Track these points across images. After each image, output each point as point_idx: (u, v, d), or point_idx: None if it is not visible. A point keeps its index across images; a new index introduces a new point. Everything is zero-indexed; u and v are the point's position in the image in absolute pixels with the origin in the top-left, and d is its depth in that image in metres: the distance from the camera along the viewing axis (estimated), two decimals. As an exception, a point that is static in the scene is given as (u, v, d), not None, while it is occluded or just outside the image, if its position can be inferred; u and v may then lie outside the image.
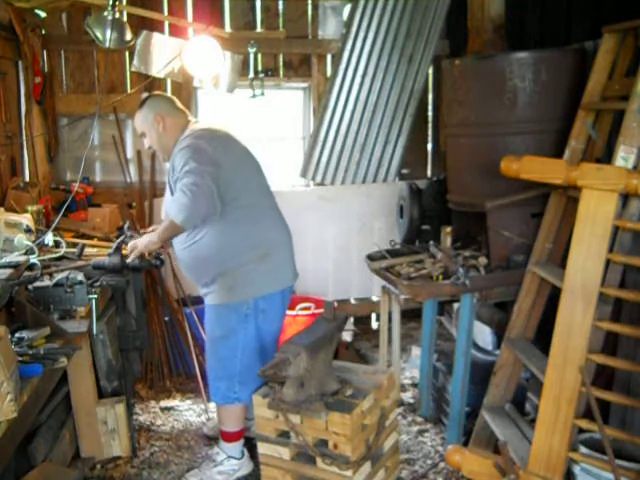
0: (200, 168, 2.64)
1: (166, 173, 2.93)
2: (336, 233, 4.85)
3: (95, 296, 2.80)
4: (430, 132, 5.24)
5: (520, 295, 2.99)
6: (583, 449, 2.41)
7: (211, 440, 3.38)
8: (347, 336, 4.43)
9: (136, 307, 3.01)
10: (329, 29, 4.86)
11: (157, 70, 4.54)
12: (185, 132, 2.90)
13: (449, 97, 3.54)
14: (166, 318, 3.52)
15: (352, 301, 4.95)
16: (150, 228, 3.14)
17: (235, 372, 2.90)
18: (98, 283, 2.90)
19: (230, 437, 3.03)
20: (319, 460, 2.47)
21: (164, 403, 3.85)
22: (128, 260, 2.94)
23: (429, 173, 5.24)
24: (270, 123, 4.99)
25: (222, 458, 3.04)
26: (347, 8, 4.68)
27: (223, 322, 2.90)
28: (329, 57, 4.87)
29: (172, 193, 2.79)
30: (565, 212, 2.91)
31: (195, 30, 4.43)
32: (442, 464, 3.10)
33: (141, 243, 2.88)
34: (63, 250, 3.30)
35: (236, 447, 3.04)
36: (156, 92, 3.48)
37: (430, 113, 5.22)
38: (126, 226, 3.13)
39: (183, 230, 2.75)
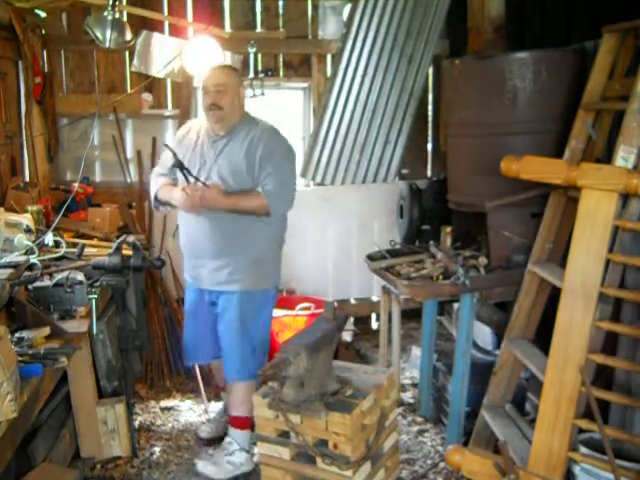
0: (295, 172, 3.07)
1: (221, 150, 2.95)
2: (336, 233, 4.86)
3: (95, 296, 2.80)
4: (430, 132, 5.24)
5: (520, 295, 2.98)
6: (583, 449, 2.41)
7: (209, 442, 3.37)
8: (347, 336, 4.43)
9: (136, 307, 3.00)
10: (329, 29, 4.86)
11: (157, 70, 4.54)
12: (250, 116, 3.06)
13: (449, 97, 3.54)
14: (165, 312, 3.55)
15: (352, 301, 4.95)
16: (211, 183, 2.90)
17: (265, 346, 3.14)
18: (98, 283, 2.90)
19: (244, 423, 3.07)
20: (319, 460, 2.47)
21: (164, 403, 3.85)
22: (179, 202, 2.90)
23: (429, 173, 5.24)
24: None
25: (235, 448, 3.07)
26: (347, 8, 4.68)
27: (254, 305, 3.05)
28: (329, 57, 4.87)
29: (237, 174, 2.91)
30: (565, 212, 2.91)
31: (195, 30, 4.43)
32: (442, 464, 3.10)
33: (210, 198, 2.84)
34: (63, 250, 3.30)
35: (247, 437, 3.10)
36: None
37: (430, 113, 5.22)
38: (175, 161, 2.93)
39: (257, 215, 2.91)
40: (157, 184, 3.12)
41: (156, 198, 3.12)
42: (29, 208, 3.66)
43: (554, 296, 2.73)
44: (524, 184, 2.81)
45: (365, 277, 4.59)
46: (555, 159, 2.70)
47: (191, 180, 2.89)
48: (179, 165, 2.89)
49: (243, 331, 3.03)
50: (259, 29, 4.80)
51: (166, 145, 3.01)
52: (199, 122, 3.15)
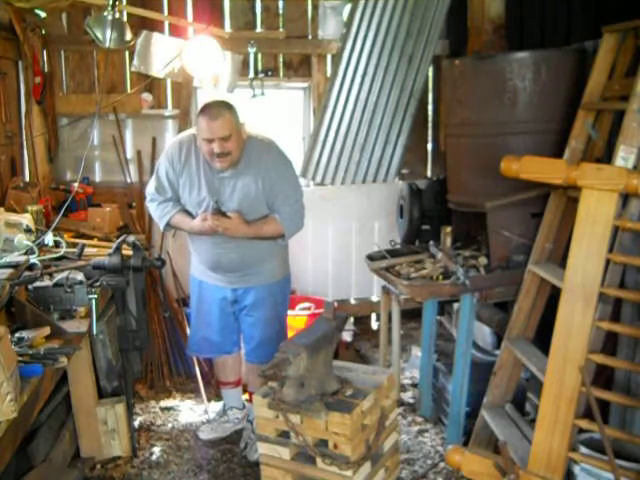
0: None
1: (226, 182, 2.95)
2: (336, 233, 4.86)
3: (95, 296, 2.80)
4: (430, 132, 5.24)
5: (520, 295, 2.99)
6: (583, 449, 2.41)
7: (210, 444, 3.36)
8: (347, 336, 4.43)
9: (136, 307, 3.00)
10: (329, 29, 4.85)
11: (157, 70, 4.54)
12: (247, 137, 2.98)
13: (449, 97, 3.54)
14: (166, 314, 3.52)
15: (352, 301, 4.95)
16: (233, 215, 2.93)
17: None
18: (98, 283, 2.90)
19: None
20: (319, 460, 2.47)
21: (164, 403, 3.84)
22: (199, 231, 2.97)
23: (429, 173, 5.23)
24: (270, 123, 4.99)
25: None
26: (347, 8, 4.68)
27: (284, 291, 3.27)
28: (329, 57, 4.86)
29: (260, 204, 2.99)
30: (565, 212, 2.91)
31: (195, 30, 4.43)
32: (442, 464, 3.10)
33: (234, 228, 2.90)
34: (63, 250, 3.30)
35: None
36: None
37: (430, 113, 5.22)
38: (213, 203, 2.94)
39: (274, 239, 3.04)
40: (165, 213, 3.08)
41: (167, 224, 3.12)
42: (29, 208, 3.65)
43: (554, 296, 2.73)
44: (524, 184, 2.81)
45: (365, 277, 4.60)
46: (555, 159, 2.70)
47: (215, 207, 2.91)
48: (218, 211, 2.91)
49: (278, 317, 3.23)
50: (259, 29, 4.80)
51: (216, 202, 2.91)
52: (190, 140, 3.02)
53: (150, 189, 3.15)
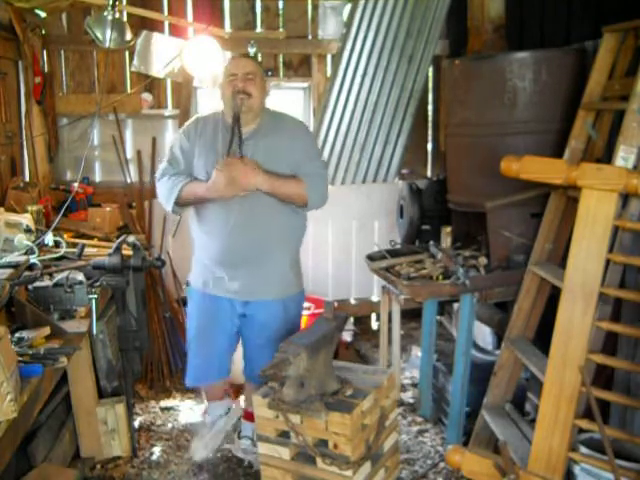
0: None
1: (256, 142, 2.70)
2: (336, 233, 4.86)
3: (95, 296, 2.80)
4: (430, 132, 5.24)
5: (520, 295, 2.98)
6: (583, 449, 2.41)
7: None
8: (347, 336, 4.43)
9: (136, 307, 3.00)
10: (329, 29, 4.86)
11: (157, 70, 4.54)
12: (270, 109, 2.83)
13: (449, 97, 3.54)
14: (166, 314, 3.51)
15: (352, 301, 4.95)
16: (250, 161, 2.63)
17: None
18: (98, 283, 2.90)
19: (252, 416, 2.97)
20: (319, 460, 2.47)
21: (164, 403, 3.84)
22: (214, 182, 2.60)
23: (429, 173, 5.24)
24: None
25: (247, 435, 3.13)
26: (347, 8, 4.69)
27: (298, 308, 2.98)
28: (329, 57, 4.87)
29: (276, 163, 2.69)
30: (565, 212, 2.91)
31: (195, 30, 4.44)
32: (442, 464, 3.10)
33: (247, 171, 2.60)
34: (63, 250, 3.30)
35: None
36: None
37: (430, 113, 5.22)
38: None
39: (295, 204, 2.75)
40: (177, 183, 2.74)
41: (175, 201, 2.75)
42: (29, 208, 3.66)
43: (554, 296, 2.73)
44: (524, 184, 2.80)
45: (365, 277, 4.59)
46: (555, 159, 2.69)
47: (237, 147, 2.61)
48: (237, 117, 2.61)
49: (288, 337, 2.74)
50: (259, 29, 4.80)
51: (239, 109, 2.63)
52: (210, 116, 2.85)
53: (162, 166, 2.86)
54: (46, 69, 4.45)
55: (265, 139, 2.72)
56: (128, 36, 4.16)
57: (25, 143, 4.27)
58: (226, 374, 3.02)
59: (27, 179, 4.26)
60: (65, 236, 3.64)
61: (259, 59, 2.94)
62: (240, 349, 3.06)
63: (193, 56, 4.30)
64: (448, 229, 3.45)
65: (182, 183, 2.73)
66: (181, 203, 2.77)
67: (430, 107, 5.20)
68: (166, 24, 4.59)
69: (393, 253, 3.59)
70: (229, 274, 2.79)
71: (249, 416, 3.07)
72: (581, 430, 2.44)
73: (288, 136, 2.76)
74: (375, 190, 4.87)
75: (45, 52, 4.45)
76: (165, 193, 2.78)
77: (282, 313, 2.85)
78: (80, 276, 2.86)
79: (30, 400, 2.10)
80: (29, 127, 4.25)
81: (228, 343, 2.95)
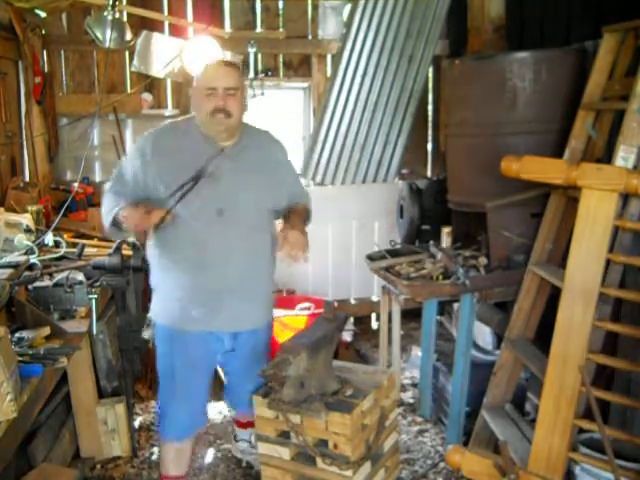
0: None
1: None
2: (336, 233, 4.85)
3: (95, 296, 2.80)
4: (430, 132, 5.24)
5: (520, 295, 2.98)
6: (583, 449, 2.41)
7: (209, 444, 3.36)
8: (347, 336, 4.43)
9: (136, 307, 3.01)
10: (329, 29, 4.86)
11: (157, 70, 4.54)
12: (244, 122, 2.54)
13: (449, 97, 3.55)
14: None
15: (352, 301, 4.95)
16: (281, 227, 2.49)
17: None
18: (98, 283, 2.90)
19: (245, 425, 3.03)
20: (319, 460, 2.46)
21: (164, 403, 3.84)
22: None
23: (429, 173, 5.24)
24: (270, 123, 4.98)
25: (244, 438, 3.12)
26: (347, 8, 4.69)
27: (271, 329, 2.79)
28: (329, 57, 4.87)
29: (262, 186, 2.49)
30: (565, 212, 2.91)
31: (195, 30, 4.44)
32: (442, 464, 3.10)
33: (305, 240, 2.40)
34: (63, 250, 3.31)
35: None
36: None
37: (430, 113, 5.22)
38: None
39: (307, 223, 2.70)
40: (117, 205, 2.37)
41: (112, 222, 2.38)
42: (29, 208, 3.66)
43: (554, 296, 2.73)
44: (524, 184, 2.80)
45: (365, 277, 4.59)
46: (555, 159, 2.69)
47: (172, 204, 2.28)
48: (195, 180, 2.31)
49: (268, 359, 2.60)
50: (259, 29, 4.80)
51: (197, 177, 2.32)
52: (179, 126, 2.61)
53: (112, 176, 2.53)
54: (46, 69, 4.45)
55: (245, 153, 2.48)
56: (128, 36, 4.16)
57: (25, 143, 4.27)
58: (202, 424, 2.74)
59: (27, 179, 4.26)
60: (65, 236, 3.64)
61: (239, 66, 2.50)
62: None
63: (193, 56, 4.31)
64: (448, 229, 3.44)
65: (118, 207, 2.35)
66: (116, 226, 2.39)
67: (430, 107, 5.20)
68: (166, 24, 4.59)
69: (393, 253, 3.59)
70: (213, 307, 2.44)
71: (242, 425, 3.06)
72: (581, 430, 2.44)
73: (271, 151, 2.59)
74: (375, 190, 4.86)
75: (45, 52, 4.45)
76: (106, 211, 2.43)
77: (267, 338, 2.70)
78: (80, 276, 2.86)
79: (30, 400, 2.10)
80: (29, 127, 4.25)
81: (207, 385, 2.64)
